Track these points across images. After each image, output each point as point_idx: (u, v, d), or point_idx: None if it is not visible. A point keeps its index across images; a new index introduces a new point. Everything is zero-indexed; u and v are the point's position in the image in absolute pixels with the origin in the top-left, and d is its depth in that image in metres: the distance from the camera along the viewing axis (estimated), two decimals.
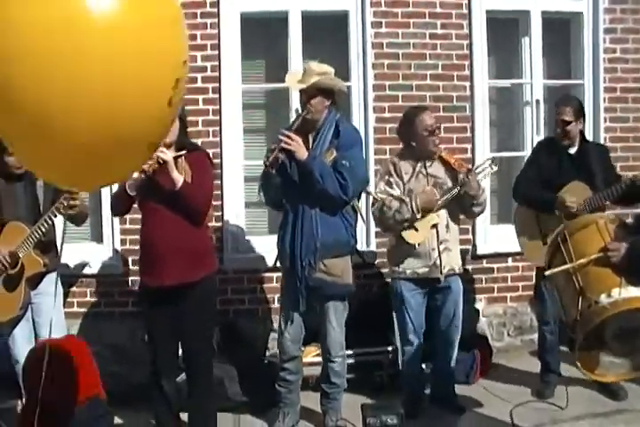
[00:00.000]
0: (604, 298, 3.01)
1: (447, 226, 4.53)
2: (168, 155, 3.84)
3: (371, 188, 4.76)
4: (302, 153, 4.05)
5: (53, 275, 4.39)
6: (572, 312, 3.16)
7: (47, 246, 4.38)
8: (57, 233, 4.49)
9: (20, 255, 4.20)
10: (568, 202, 4.52)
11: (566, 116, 4.66)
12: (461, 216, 4.70)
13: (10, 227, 4.26)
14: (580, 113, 4.73)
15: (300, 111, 4.30)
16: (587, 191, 4.60)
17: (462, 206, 4.56)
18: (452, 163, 4.49)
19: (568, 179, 4.66)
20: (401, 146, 4.74)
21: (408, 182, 4.49)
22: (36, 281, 4.36)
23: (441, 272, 4.49)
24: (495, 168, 4.69)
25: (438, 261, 4.47)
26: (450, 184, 4.53)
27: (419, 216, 4.39)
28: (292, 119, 4.62)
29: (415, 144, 4.50)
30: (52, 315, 4.26)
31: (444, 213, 4.51)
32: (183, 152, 3.98)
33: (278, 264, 4.48)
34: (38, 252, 4.27)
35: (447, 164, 4.53)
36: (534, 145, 5.28)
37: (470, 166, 4.64)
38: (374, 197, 4.52)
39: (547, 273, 3.33)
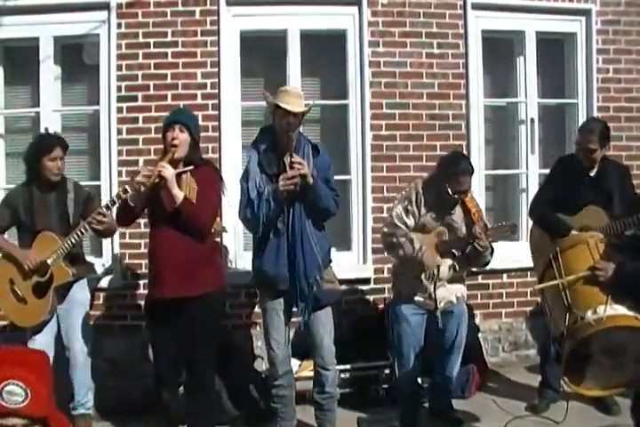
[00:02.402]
0: (590, 314, 3.09)
1: (450, 268, 4.49)
2: (169, 171, 3.87)
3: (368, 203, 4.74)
4: (311, 176, 4.10)
5: (81, 282, 4.69)
6: (559, 327, 3.24)
7: (75, 258, 4.60)
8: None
9: (50, 265, 4.39)
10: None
11: (592, 145, 4.58)
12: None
13: (42, 236, 4.47)
14: (604, 140, 4.63)
15: None
16: (603, 217, 4.54)
17: (468, 257, 4.53)
18: (472, 213, 4.38)
19: (586, 201, 4.59)
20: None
21: (424, 216, 4.45)
22: (64, 290, 4.57)
23: (436, 307, 4.49)
24: (513, 235, 4.60)
25: (433, 295, 4.47)
26: (464, 231, 4.47)
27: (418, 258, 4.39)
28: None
29: (440, 190, 4.40)
30: (77, 320, 4.64)
31: (448, 260, 4.48)
32: (189, 168, 4.02)
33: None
34: (67, 262, 4.47)
35: (467, 211, 4.43)
36: (531, 162, 5.24)
37: (487, 223, 4.50)
38: (388, 223, 4.51)
39: (536, 287, 3.45)
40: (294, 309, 4.27)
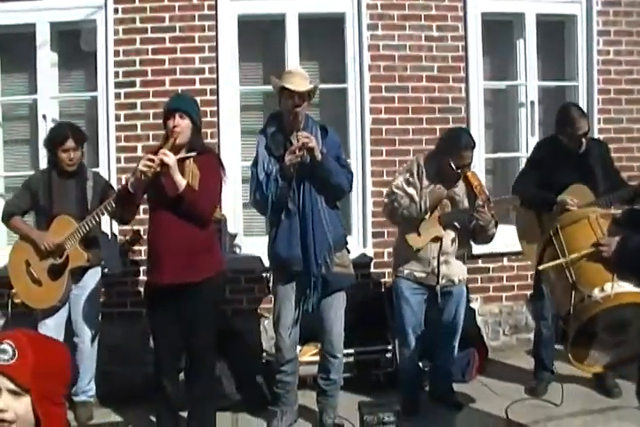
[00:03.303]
0: (596, 292, 3.04)
1: (453, 241, 4.53)
2: (171, 158, 3.85)
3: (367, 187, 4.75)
4: (319, 151, 4.10)
5: (95, 269, 4.77)
6: (564, 305, 3.19)
7: (91, 243, 4.65)
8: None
9: (66, 247, 4.48)
10: (569, 204, 4.47)
11: (586, 128, 4.64)
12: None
13: (59, 220, 4.55)
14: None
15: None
16: (588, 195, 4.59)
17: (468, 233, 4.57)
18: (475, 186, 4.39)
19: (570, 179, 4.63)
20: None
21: (426, 188, 4.47)
22: (78, 274, 4.64)
23: (438, 282, 4.52)
24: (515, 208, 4.64)
25: (436, 271, 4.50)
26: (466, 204, 4.51)
27: (427, 217, 4.43)
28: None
29: (443, 164, 4.45)
30: (87, 307, 4.72)
31: (451, 231, 4.51)
32: (192, 154, 4.01)
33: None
34: (83, 246, 4.53)
35: (469, 185, 4.45)
36: (532, 145, 5.27)
37: (489, 196, 4.47)
38: (389, 190, 4.54)
39: (540, 267, 3.34)
40: (308, 291, 4.23)
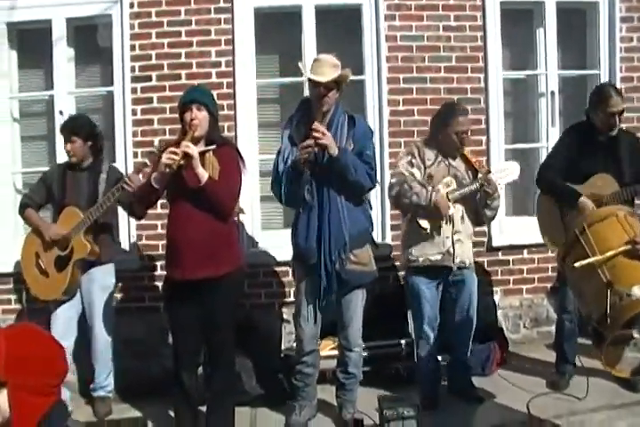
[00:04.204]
0: (636, 290, 2.94)
1: (462, 218, 4.54)
2: (194, 150, 3.82)
3: (385, 178, 4.76)
4: (335, 147, 4.02)
5: (108, 266, 4.76)
6: (598, 306, 3.07)
7: (103, 237, 4.68)
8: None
9: (71, 238, 4.50)
10: (589, 209, 4.41)
11: (620, 107, 4.54)
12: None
13: (66, 211, 4.59)
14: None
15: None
16: (613, 184, 4.53)
17: (476, 208, 4.56)
18: (474, 162, 4.49)
19: (596, 168, 4.57)
20: (426, 134, 4.79)
21: (429, 168, 4.49)
22: (85, 266, 4.64)
23: (453, 261, 4.49)
24: (516, 174, 4.62)
25: (452, 250, 4.48)
26: (468, 180, 4.54)
27: (432, 206, 4.39)
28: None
29: (442, 139, 4.51)
30: (100, 303, 4.71)
31: (459, 206, 4.51)
32: (212, 147, 3.97)
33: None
34: (90, 238, 4.55)
35: (468, 162, 4.54)
36: (552, 135, 5.19)
37: (489, 169, 4.58)
38: (396, 172, 4.54)
39: (576, 265, 3.17)
40: (321, 287, 4.20)
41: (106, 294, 4.76)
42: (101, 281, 4.72)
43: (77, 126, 4.66)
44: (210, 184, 3.85)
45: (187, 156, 3.80)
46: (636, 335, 3.07)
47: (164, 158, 3.79)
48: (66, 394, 4.22)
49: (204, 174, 3.84)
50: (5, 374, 1.78)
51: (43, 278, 4.66)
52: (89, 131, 4.69)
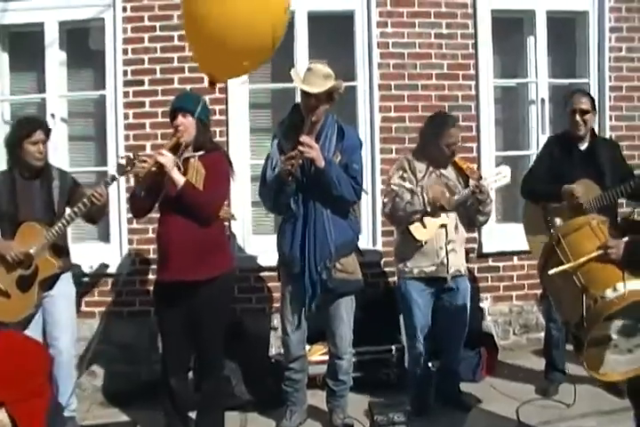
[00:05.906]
0: (609, 293, 3.01)
1: (456, 227, 4.56)
2: (166, 157, 3.87)
3: (377, 185, 4.75)
4: (321, 160, 4.03)
5: (66, 275, 4.45)
6: (575, 312, 3.14)
7: (61, 249, 4.38)
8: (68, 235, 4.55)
9: (35, 256, 4.16)
10: (575, 191, 4.51)
11: (584, 105, 4.66)
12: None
13: (26, 227, 4.21)
14: (594, 103, 4.74)
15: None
16: (595, 189, 4.59)
17: (468, 214, 4.59)
18: (465, 168, 4.53)
19: (577, 176, 4.63)
20: (414, 144, 4.83)
21: (421, 180, 4.51)
22: (49, 283, 4.33)
23: (447, 272, 4.50)
24: (507, 180, 4.64)
25: (445, 261, 4.49)
26: (460, 188, 4.55)
27: (429, 209, 4.41)
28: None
29: (432, 151, 4.52)
30: (63, 315, 4.36)
31: (453, 215, 4.53)
32: (199, 153, 4.01)
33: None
34: (52, 254, 4.25)
35: (460, 169, 4.57)
36: (542, 142, 5.26)
37: (481, 175, 4.64)
38: (388, 189, 4.56)
39: (550, 272, 3.27)
40: (306, 295, 4.22)
41: (69, 306, 4.46)
42: (63, 292, 4.41)
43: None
44: (186, 189, 3.89)
45: (159, 163, 3.85)
46: (614, 336, 3.10)
47: (135, 167, 3.88)
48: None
49: (179, 180, 3.89)
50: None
51: (4, 300, 4.19)
52: (48, 129, 4.39)
